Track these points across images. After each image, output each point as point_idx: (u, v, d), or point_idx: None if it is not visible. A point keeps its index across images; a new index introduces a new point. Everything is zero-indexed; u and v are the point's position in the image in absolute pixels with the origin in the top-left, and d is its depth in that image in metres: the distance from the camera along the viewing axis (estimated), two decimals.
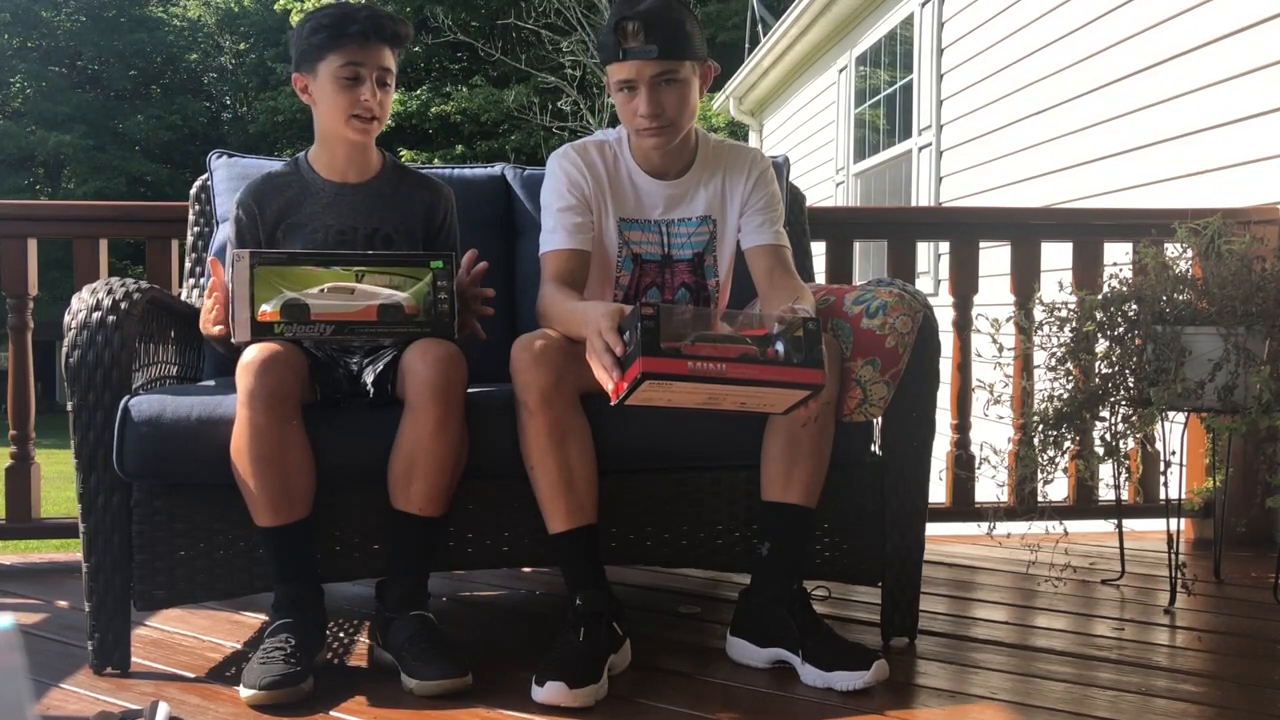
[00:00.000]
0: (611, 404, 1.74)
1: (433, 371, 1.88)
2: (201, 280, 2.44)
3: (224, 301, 1.96)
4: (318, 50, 2.07)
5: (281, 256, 1.93)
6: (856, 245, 3.18)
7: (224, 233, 2.39)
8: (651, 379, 1.66)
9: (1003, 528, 2.45)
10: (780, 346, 1.72)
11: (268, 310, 1.89)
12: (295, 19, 20.07)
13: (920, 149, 6.45)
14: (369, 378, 2.02)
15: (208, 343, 2.19)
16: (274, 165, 2.28)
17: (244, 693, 1.79)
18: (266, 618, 2.24)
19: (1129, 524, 2.96)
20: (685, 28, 2.03)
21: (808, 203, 2.71)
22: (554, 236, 2.12)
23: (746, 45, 12.51)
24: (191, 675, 1.96)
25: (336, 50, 2.05)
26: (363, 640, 2.15)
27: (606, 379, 1.74)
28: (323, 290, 1.91)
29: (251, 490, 1.87)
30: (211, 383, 2.22)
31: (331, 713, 1.79)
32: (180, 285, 2.59)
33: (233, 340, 1.91)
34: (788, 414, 1.82)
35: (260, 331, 1.89)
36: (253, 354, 1.87)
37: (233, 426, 1.87)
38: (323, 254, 1.98)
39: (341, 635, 2.18)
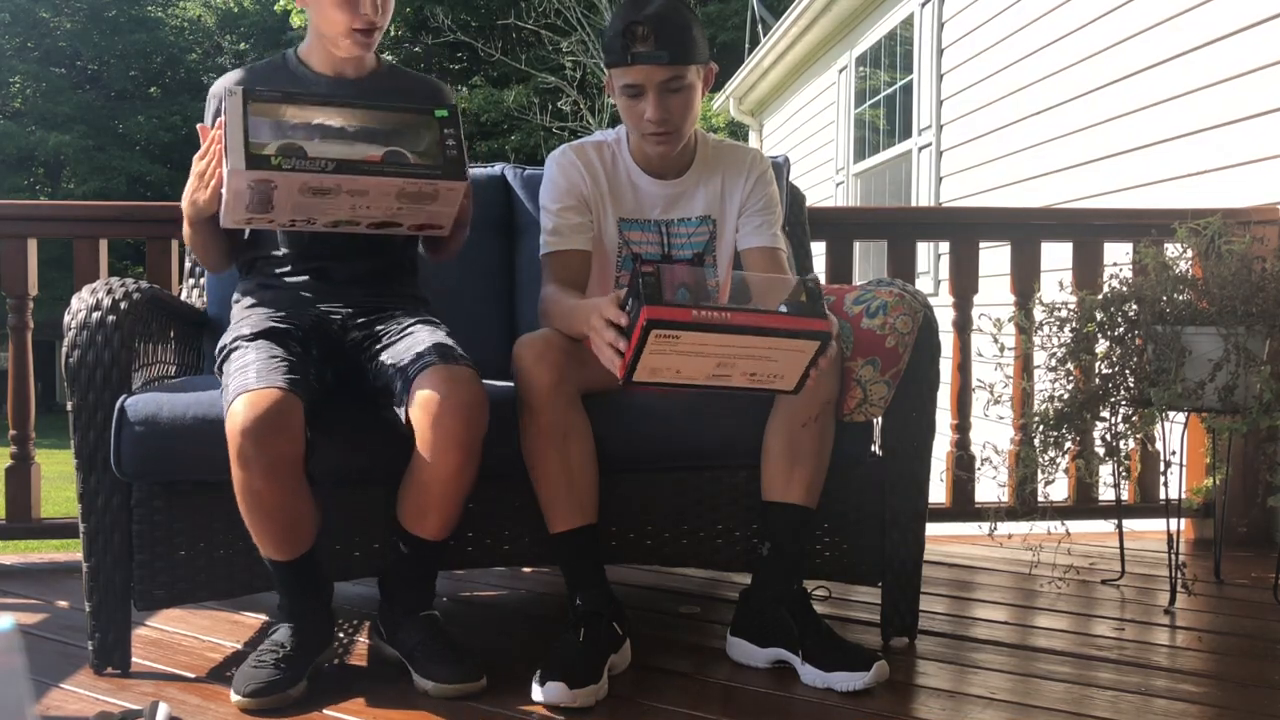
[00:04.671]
0: (620, 381, 1.71)
1: (455, 420, 1.79)
2: (202, 280, 2.43)
3: (220, 157, 1.78)
4: None
5: (276, 95, 1.79)
6: (856, 245, 3.18)
7: None
8: (657, 328, 1.63)
9: (1003, 528, 2.45)
10: (784, 309, 1.71)
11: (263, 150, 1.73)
12: (296, 19, 20.11)
13: (920, 149, 6.45)
14: (372, 372, 1.94)
15: (199, 262, 1.99)
16: None
17: (232, 697, 1.80)
18: (267, 618, 2.24)
19: (1129, 524, 2.96)
20: (692, 32, 2.03)
21: (808, 203, 2.71)
22: (554, 238, 2.12)
23: (746, 45, 12.52)
24: (191, 675, 1.96)
25: None
26: (362, 640, 2.15)
27: (612, 357, 1.72)
28: (318, 142, 1.77)
29: (255, 534, 1.84)
30: (209, 378, 2.21)
31: (328, 711, 1.79)
32: (180, 285, 2.58)
33: (226, 181, 1.74)
34: (799, 390, 1.77)
35: (256, 163, 1.72)
36: (244, 414, 1.72)
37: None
38: (320, 95, 1.86)
39: (341, 635, 2.17)
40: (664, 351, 1.67)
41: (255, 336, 1.92)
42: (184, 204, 1.92)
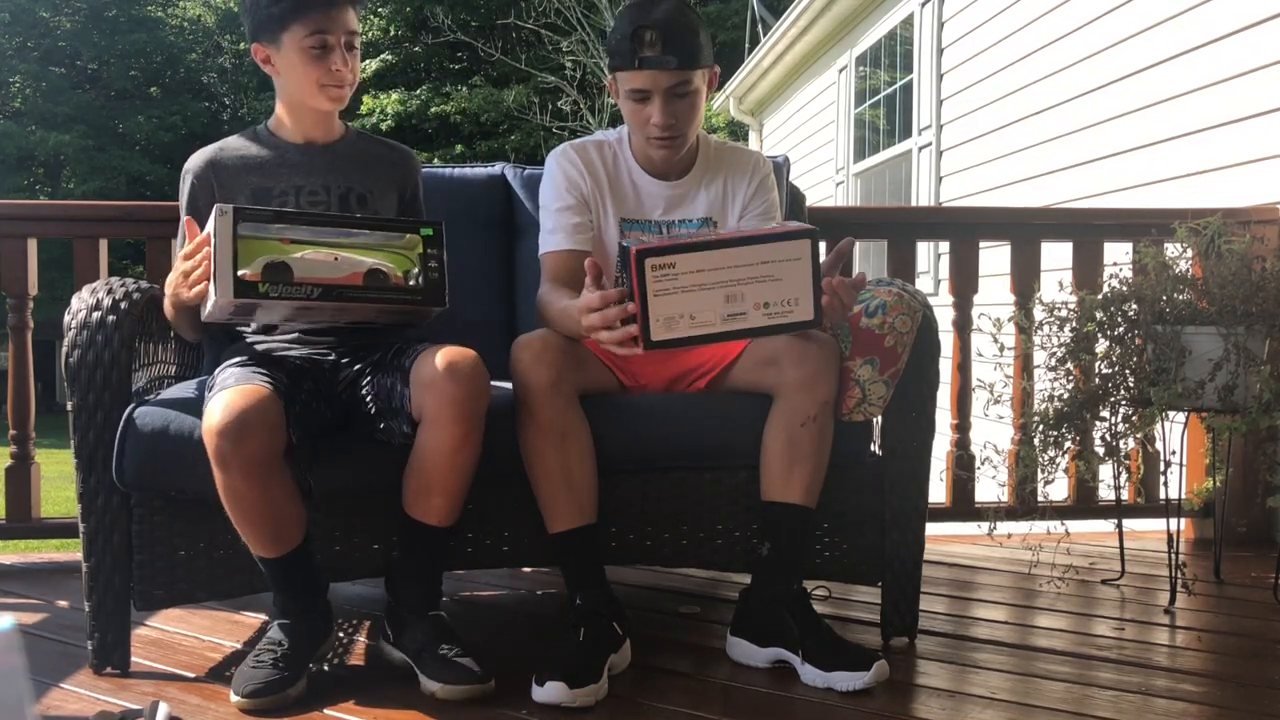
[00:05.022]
0: (641, 349, 1.71)
1: (458, 388, 1.80)
2: None
3: (206, 269, 1.79)
4: (279, 21, 1.98)
5: (267, 214, 1.82)
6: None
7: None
8: (649, 256, 1.67)
9: (1003, 528, 2.45)
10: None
11: (247, 273, 1.76)
12: None
13: (920, 149, 6.45)
14: (367, 396, 1.94)
15: (175, 331, 2.04)
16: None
17: (232, 698, 1.81)
18: (266, 618, 2.24)
19: (1129, 524, 2.96)
20: (699, 37, 2.03)
21: (808, 202, 2.71)
22: (553, 237, 2.12)
23: (746, 45, 12.51)
24: (191, 675, 1.96)
25: (300, 20, 1.96)
26: (362, 640, 2.15)
27: (621, 337, 1.72)
28: (303, 256, 1.81)
29: (241, 532, 1.84)
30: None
31: (328, 711, 1.79)
32: None
33: (211, 299, 1.77)
34: (819, 318, 1.76)
35: (244, 292, 1.75)
36: (220, 416, 1.72)
37: None
38: (311, 213, 1.90)
39: (341, 635, 2.18)
40: (668, 290, 1.68)
41: (244, 363, 1.92)
42: (167, 289, 1.91)
